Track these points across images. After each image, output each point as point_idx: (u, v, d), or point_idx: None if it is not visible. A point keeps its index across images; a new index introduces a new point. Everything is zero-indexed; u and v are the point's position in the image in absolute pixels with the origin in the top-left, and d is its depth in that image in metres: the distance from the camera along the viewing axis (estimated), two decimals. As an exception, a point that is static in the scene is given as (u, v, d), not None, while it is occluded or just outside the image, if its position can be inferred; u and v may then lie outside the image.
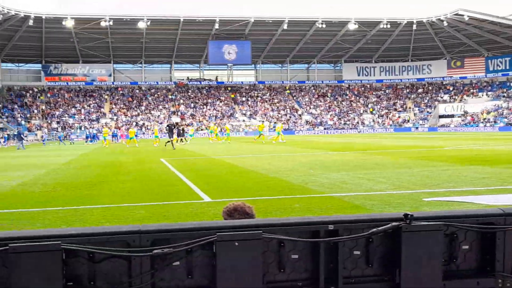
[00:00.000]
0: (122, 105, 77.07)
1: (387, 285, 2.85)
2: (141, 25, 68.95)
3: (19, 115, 70.16)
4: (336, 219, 2.80)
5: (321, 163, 19.39)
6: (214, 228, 2.63)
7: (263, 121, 60.63)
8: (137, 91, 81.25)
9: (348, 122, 76.88)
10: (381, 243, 2.81)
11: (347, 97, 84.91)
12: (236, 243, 2.58)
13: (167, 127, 37.43)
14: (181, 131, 40.94)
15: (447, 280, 2.83)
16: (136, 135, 43.94)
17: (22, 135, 45.17)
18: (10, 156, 32.07)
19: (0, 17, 61.33)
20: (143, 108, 77.07)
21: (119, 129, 59.84)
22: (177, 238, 2.58)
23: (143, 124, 72.22)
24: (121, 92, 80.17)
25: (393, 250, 2.80)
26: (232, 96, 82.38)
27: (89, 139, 57.18)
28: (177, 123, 38.95)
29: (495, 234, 2.87)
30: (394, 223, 2.71)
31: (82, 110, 74.34)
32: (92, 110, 74.98)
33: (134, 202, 10.92)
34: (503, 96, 76.89)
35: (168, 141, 36.22)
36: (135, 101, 78.48)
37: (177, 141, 38.41)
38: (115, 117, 73.79)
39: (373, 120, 78.31)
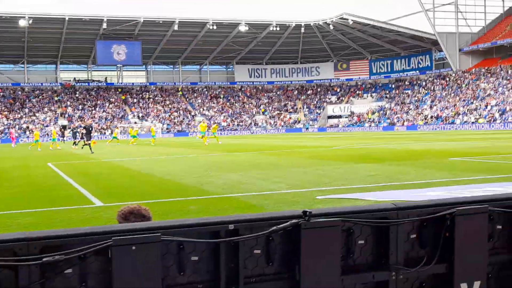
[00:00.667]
0: (3, 107, 72.50)
1: (287, 283, 2.82)
2: (22, 23, 65.32)
3: None
4: (236, 218, 2.74)
5: (216, 164, 19.29)
6: (108, 232, 2.45)
7: (202, 121, 59.19)
8: (20, 92, 76.79)
9: (241, 124, 77.61)
10: (281, 241, 2.78)
11: (240, 98, 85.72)
12: (133, 247, 2.43)
13: (84, 128, 34.75)
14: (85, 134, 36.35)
15: (345, 275, 2.83)
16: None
17: None
18: None
19: None
20: (26, 110, 72.99)
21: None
22: (69, 244, 2.39)
23: (27, 127, 68.39)
24: (1, 94, 75.38)
25: (293, 247, 2.77)
26: (123, 97, 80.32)
27: None
28: (90, 125, 35.60)
29: (388, 228, 2.92)
30: (293, 221, 2.67)
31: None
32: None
33: (19, 209, 10.16)
34: (386, 97, 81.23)
35: (85, 144, 33.91)
36: (17, 103, 74.12)
37: (84, 145, 35.11)
38: (-5, 120, 69.32)
39: (266, 121, 79.68)
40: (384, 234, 2.94)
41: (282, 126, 78.42)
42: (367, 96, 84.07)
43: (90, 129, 34.09)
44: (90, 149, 32.21)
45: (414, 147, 26.56)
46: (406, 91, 79.91)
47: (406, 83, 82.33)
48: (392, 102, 78.80)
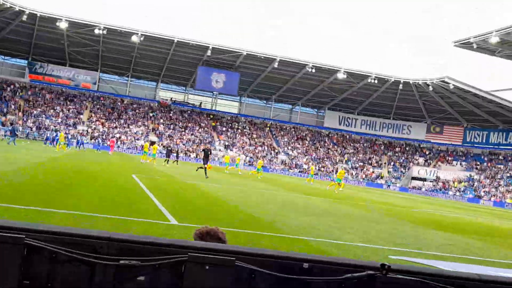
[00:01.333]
0: (101, 115, 76.43)
1: None
2: (135, 39, 69.04)
3: (-4, 107, 69.16)
4: (312, 258, 2.73)
5: (293, 204, 19.35)
6: (186, 247, 2.53)
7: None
8: (119, 103, 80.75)
9: (322, 169, 77.20)
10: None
11: (326, 144, 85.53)
12: (207, 267, 2.48)
13: (203, 151, 33.46)
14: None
15: None
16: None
17: (15, 131, 45.85)
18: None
19: (-5, 7, 61.04)
20: (122, 121, 76.52)
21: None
22: (146, 251, 2.48)
23: (119, 137, 71.56)
24: (102, 101, 79.60)
25: None
26: (213, 124, 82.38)
27: (49, 141, 55.98)
28: (209, 149, 34.28)
29: None
30: (370, 272, 2.64)
31: (61, 113, 73.47)
32: (71, 115, 74.18)
33: (100, 213, 10.70)
34: (476, 168, 78.26)
35: (201, 167, 32.94)
36: (115, 113, 77.90)
37: (199, 168, 33.91)
38: (92, 126, 73.04)
39: (347, 171, 78.85)
40: None
41: (364, 179, 77.24)
42: (457, 164, 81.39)
43: (209, 153, 32.75)
44: (205, 173, 30.67)
45: (499, 224, 25.40)
46: (499, 166, 76.65)
47: (500, 157, 79.04)
48: (482, 174, 75.80)
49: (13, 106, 71.14)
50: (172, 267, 2.53)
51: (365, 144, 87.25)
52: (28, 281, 2.44)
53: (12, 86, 74.77)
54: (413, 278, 2.71)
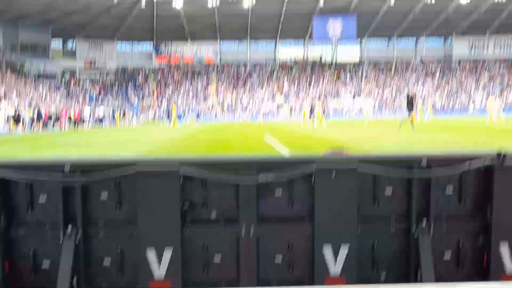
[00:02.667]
0: (227, 85, 78.81)
1: (479, 223, 2.92)
2: (246, 4, 69.75)
3: (132, 94, 74.12)
4: (429, 155, 2.92)
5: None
6: (313, 160, 2.84)
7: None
8: (242, 70, 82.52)
9: (457, 104, 73.21)
10: (473, 180, 2.89)
11: (457, 75, 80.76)
12: (334, 174, 2.78)
13: (407, 97, 25.87)
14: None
15: None
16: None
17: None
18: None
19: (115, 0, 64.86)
20: (247, 87, 78.33)
21: None
22: (280, 167, 2.85)
23: (247, 104, 73.54)
24: (226, 71, 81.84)
25: (485, 188, 2.87)
26: (336, 75, 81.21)
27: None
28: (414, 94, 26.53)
29: None
30: (486, 161, 2.78)
31: (190, 90, 76.94)
32: (200, 90, 77.36)
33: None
34: None
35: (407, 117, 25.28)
36: (240, 81, 79.87)
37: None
38: (221, 97, 75.74)
39: (485, 102, 73.92)
40: None
41: (506, 106, 71.90)
42: None
43: (414, 99, 25.48)
44: (412, 125, 24.13)
45: None
46: None
47: None
48: None
49: (147, 91, 75.80)
50: (303, 178, 2.85)
51: (501, 70, 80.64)
52: (187, 204, 2.93)
53: (142, 72, 79.45)
54: None
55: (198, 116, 65.02)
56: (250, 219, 2.89)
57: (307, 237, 2.89)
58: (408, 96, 26.21)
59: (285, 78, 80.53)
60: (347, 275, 2.77)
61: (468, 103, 72.32)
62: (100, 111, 54.59)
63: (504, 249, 2.79)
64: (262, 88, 78.27)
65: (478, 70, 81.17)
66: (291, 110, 69.33)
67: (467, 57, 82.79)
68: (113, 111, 59.17)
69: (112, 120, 55.68)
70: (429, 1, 68.90)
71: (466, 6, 71.05)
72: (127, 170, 2.80)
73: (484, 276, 2.81)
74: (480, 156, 2.77)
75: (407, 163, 2.83)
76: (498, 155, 2.71)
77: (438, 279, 2.78)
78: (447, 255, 2.89)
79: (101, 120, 52.90)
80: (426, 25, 79.57)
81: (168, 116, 51.26)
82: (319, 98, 73.53)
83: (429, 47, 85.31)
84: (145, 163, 2.82)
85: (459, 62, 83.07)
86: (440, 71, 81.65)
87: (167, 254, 2.85)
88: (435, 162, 2.80)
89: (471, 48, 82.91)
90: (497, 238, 2.78)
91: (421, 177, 2.79)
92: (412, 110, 25.23)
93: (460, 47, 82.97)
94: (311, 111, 40.42)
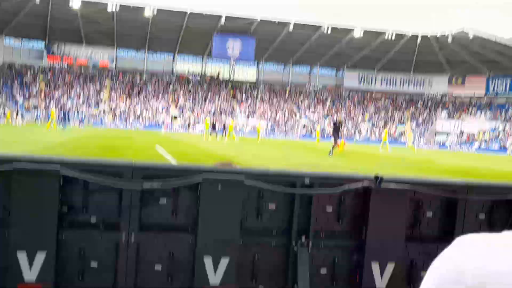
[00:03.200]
0: (121, 92, 77.04)
1: (354, 241, 3.04)
2: (148, 13, 68.99)
3: (17, 93, 70.13)
4: (313, 174, 3.01)
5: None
6: (200, 171, 2.82)
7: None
8: (138, 79, 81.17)
9: (344, 132, 76.72)
10: (352, 201, 3.00)
11: (346, 104, 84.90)
12: (219, 187, 2.77)
13: (334, 125, 27.04)
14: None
15: (410, 242, 3.02)
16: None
17: (68, 115, 48.60)
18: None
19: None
20: (142, 97, 77.05)
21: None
22: (166, 176, 2.79)
23: (141, 113, 72.27)
24: (121, 79, 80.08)
25: (362, 209, 2.98)
26: (232, 93, 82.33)
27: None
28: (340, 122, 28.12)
29: (456, 203, 3.05)
30: (365, 183, 2.90)
31: (82, 94, 74.27)
32: (92, 94, 74.94)
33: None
34: (500, 119, 77.17)
35: (333, 146, 25.99)
36: (135, 89, 78.44)
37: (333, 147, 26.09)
38: (113, 104, 73.80)
39: (370, 131, 78.40)
40: (452, 209, 3.03)
41: (389, 137, 76.40)
42: (481, 115, 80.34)
43: (340, 126, 27.05)
44: (331, 151, 24.92)
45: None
46: (525, 114, 75.46)
47: (526, 105, 77.73)
48: (508, 123, 74.78)
49: (34, 91, 72.10)
50: (189, 188, 2.82)
51: (386, 101, 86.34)
52: (65, 207, 2.78)
53: (31, 70, 75.61)
54: (403, 188, 2.93)
55: (82, 121, 62.78)
56: (132, 226, 2.82)
57: (189, 247, 2.89)
58: (336, 123, 27.27)
59: (182, 91, 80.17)
60: (226, 284, 2.82)
61: (354, 132, 75.89)
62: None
63: (375, 267, 2.95)
64: (157, 99, 77.29)
65: (365, 102, 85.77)
66: (185, 123, 68.93)
67: (356, 88, 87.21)
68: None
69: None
70: (325, 31, 72.01)
71: (359, 40, 75.13)
72: (3, 167, 2.61)
73: None
74: (359, 179, 2.92)
75: (292, 180, 2.93)
76: (376, 177, 2.85)
77: None
78: (323, 270, 3.02)
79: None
80: (320, 56, 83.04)
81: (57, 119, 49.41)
82: (213, 114, 73.90)
83: (322, 75, 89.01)
84: (23, 161, 2.66)
85: (349, 93, 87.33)
86: (331, 99, 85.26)
87: (40, 257, 2.69)
88: (317, 181, 2.92)
89: (360, 81, 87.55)
90: (370, 257, 2.93)
91: (304, 194, 2.90)
92: (338, 137, 26.30)
93: (351, 79, 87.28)
94: (213, 126, 42.54)
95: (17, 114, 55.91)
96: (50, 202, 2.67)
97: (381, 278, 2.93)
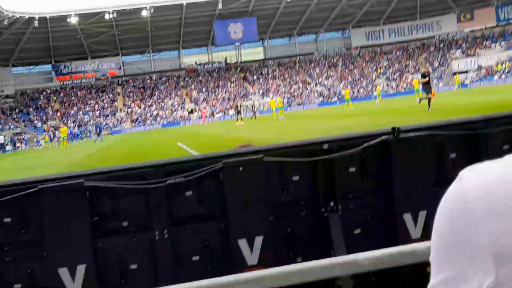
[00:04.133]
0: (135, 97, 77.47)
1: (382, 197, 3.06)
2: (145, 13, 68.92)
3: (35, 117, 71.04)
4: (330, 138, 3.01)
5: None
6: (220, 156, 2.86)
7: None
8: (148, 81, 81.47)
9: (362, 90, 76.08)
10: (373, 158, 3.00)
11: (358, 64, 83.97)
12: (240, 169, 2.81)
13: (422, 77, 25.72)
14: None
15: (438, 186, 2.91)
16: None
17: (100, 128, 49.17)
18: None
19: (6, 21, 61.61)
20: (155, 97, 77.37)
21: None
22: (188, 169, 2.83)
23: (157, 113, 72.65)
24: (132, 84, 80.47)
25: (385, 163, 3.00)
26: (243, 75, 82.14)
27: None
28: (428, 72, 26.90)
29: (479, 139, 3.02)
30: (383, 137, 2.90)
31: (96, 106, 74.92)
32: (106, 105, 75.53)
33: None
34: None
35: (424, 98, 26.00)
36: (147, 91, 78.78)
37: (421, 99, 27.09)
38: (129, 110, 74.30)
39: (387, 85, 77.52)
40: (475, 146, 3.02)
41: (404, 88, 75.68)
42: (495, 46, 78.64)
43: (428, 77, 25.46)
44: (429, 104, 24.36)
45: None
46: (541, 37, 73.65)
47: (540, 27, 75.79)
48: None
49: (50, 112, 72.95)
50: (212, 176, 2.86)
51: (398, 53, 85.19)
52: (96, 217, 2.85)
53: (44, 93, 76.43)
54: (423, 134, 2.93)
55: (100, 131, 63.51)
56: (163, 223, 2.89)
57: (222, 233, 2.95)
58: (424, 75, 25.42)
59: (193, 84, 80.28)
60: (263, 265, 2.82)
61: (371, 89, 75.12)
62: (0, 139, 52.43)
63: (407, 218, 2.95)
64: (170, 96, 77.54)
65: (377, 57, 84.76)
66: (202, 114, 69.05)
67: (366, 45, 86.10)
68: (15, 137, 57.08)
69: (13, 146, 53.74)
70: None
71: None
72: (29, 188, 2.69)
73: (392, 245, 2.91)
74: (376, 134, 2.92)
75: (310, 149, 2.97)
76: (393, 129, 2.86)
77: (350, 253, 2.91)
78: (357, 231, 3.04)
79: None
80: (323, 20, 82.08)
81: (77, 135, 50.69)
82: (228, 100, 73.91)
83: (329, 39, 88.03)
84: (47, 180, 2.73)
85: (359, 51, 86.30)
86: (342, 62, 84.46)
87: (81, 270, 2.77)
88: (336, 145, 2.93)
89: (368, 37, 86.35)
90: (401, 209, 2.95)
91: (324, 160, 2.91)
92: (430, 88, 24.88)
93: (358, 38, 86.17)
94: (238, 111, 43.86)
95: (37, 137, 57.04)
96: (81, 215, 2.75)
97: (415, 228, 2.96)
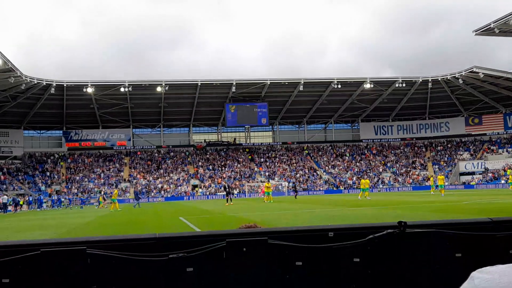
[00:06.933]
0: (141, 169, 77.67)
1: None
2: (160, 89, 70.37)
3: (40, 180, 71.01)
4: (336, 227, 2.98)
5: (341, 216, 19.16)
6: (224, 235, 2.80)
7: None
8: (156, 154, 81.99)
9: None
10: (378, 249, 2.95)
11: (365, 156, 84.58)
12: (244, 249, 2.74)
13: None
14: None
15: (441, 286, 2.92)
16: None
17: (138, 195, 50.45)
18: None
19: (23, 86, 63.00)
20: (161, 171, 77.53)
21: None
22: (190, 244, 2.77)
23: (162, 187, 72.49)
24: (140, 156, 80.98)
25: (389, 255, 2.94)
26: (250, 157, 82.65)
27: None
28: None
29: (484, 240, 2.97)
30: (389, 230, 2.86)
31: (102, 174, 75.01)
32: (112, 174, 75.64)
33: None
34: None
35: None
36: (154, 165, 79.09)
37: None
38: (134, 181, 74.23)
39: (393, 179, 77.62)
40: (480, 247, 2.95)
41: (410, 183, 75.80)
42: (503, 152, 79.26)
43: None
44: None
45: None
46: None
47: (547, 136, 76.61)
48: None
49: (56, 176, 72.99)
50: (215, 254, 2.77)
51: (405, 149, 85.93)
52: (95, 285, 2.74)
53: (52, 157, 76.85)
54: (428, 230, 2.88)
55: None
56: None
57: None
58: None
59: (200, 162, 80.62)
60: None
61: (377, 181, 75.02)
62: (4, 199, 52.14)
63: None
64: (176, 171, 77.68)
65: (384, 151, 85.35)
66: (206, 190, 68.90)
67: (373, 138, 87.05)
68: (17, 198, 56.88)
69: (15, 207, 53.44)
70: (335, 86, 72.60)
71: (369, 91, 75.58)
72: (31, 251, 2.71)
73: None
74: (383, 226, 2.94)
75: (315, 235, 2.97)
76: (399, 223, 2.89)
77: None
78: None
79: (2, 208, 50.59)
80: (333, 111, 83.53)
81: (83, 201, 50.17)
82: (234, 179, 73.83)
83: (338, 129, 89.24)
84: (50, 244, 2.75)
85: (366, 144, 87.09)
86: (349, 152, 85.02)
87: None
88: (341, 233, 2.95)
89: (377, 131, 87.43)
90: None
91: (329, 247, 2.92)
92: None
93: (366, 131, 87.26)
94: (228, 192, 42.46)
95: (41, 200, 56.72)
96: (79, 282, 2.69)
97: None
